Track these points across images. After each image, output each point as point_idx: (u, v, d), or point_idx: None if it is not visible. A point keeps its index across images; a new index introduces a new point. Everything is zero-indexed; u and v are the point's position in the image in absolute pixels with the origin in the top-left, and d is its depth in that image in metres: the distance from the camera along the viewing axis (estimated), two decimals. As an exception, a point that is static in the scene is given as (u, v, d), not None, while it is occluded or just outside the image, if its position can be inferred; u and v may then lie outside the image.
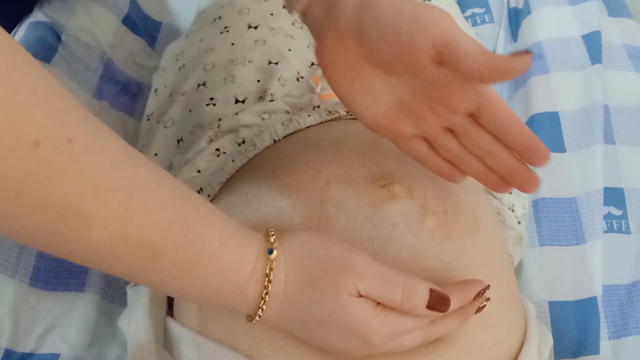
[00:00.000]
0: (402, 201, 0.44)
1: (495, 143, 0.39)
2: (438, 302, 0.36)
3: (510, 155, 0.40)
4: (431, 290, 0.36)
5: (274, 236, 0.37)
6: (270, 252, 0.36)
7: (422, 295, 0.35)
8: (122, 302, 0.59)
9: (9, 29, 0.73)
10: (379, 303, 0.35)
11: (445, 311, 0.36)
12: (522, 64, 0.33)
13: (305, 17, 0.42)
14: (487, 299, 0.40)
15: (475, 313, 0.40)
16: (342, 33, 0.38)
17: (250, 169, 0.52)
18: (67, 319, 0.57)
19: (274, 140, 0.54)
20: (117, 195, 0.29)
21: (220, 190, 0.54)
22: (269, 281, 0.35)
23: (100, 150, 0.29)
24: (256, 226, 0.44)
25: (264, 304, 0.35)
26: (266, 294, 0.35)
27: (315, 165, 0.46)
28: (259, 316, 0.36)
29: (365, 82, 0.39)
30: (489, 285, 0.40)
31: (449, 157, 0.42)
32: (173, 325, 0.46)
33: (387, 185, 0.44)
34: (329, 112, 0.56)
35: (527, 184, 0.40)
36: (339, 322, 0.35)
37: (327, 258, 0.36)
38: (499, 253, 0.48)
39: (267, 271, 0.35)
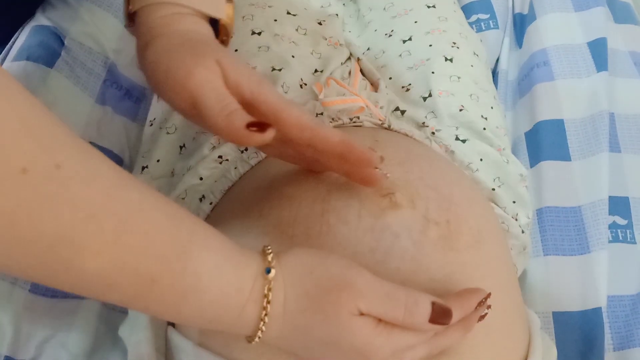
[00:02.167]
0: (404, 211, 0.43)
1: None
2: (440, 316, 0.35)
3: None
4: (433, 304, 0.35)
5: (271, 254, 0.36)
6: (268, 271, 0.35)
7: (424, 311, 0.35)
8: (124, 309, 0.59)
9: (11, 32, 0.73)
10: (380, 320, 0.35)
11: (448, 324, 0.36)
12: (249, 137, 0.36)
13: None
14: (489, 307, 0.39)
15: (478, 322, 0.39)
16: None
17: (252, 177, 0.52)
18: (68, 327, 0.57)
19: None
20: (110, 221, 0.29)
21: (222, 198, 0.54)
22: (268, 302, 0.34)
23: (91, 175, 0.28)
24: (257, 237, 0.43)
25: (263, 325, 0.34)
26: (265, 315, 0.34)
27: (317, 175, 0.46)
28: (259, 337, 0.35)
29: None
30: (489, 294, 0.39)
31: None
32: (174, 335, 0.45)
33: (389, 195, 0.44)
34: (332, 119, 0.56)
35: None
36: (341, 342, 0.34)
37: (327, 276, 0.35)
38: (504, 266, 0.48)
39: (266, 292, 0.34)
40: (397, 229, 0.42)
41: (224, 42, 0.46)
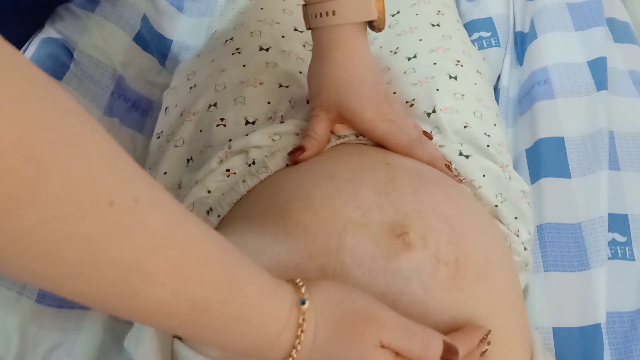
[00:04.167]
0: (416, 252, 0.45)
1: None
2: (449, 353, 0.39)
3: None
4: (443, 342, 0.39)
5: (303, 287, 0.38)
6: (303, 302, 0.37)
7: (437, 347, 0.38)
8: (129, 320, 0.59)
9: (20, 44, 0.74)
10: (397, 354, 0.38)
11: None
12: None
13: None
14: (489, 343, 0.43)
15: (480, 356, 0.42)
16: None
17: (263, 193, 0.53)
18: (74, 337, 0.57)
19: (287, 164, 0.54)
20: (175, 252, 0.30)
21: (230, 211, 0.54)
22: (302, 331, 0.36)
23: (159, 207, 0.30)
24: (271, 262, 0.44)
25: (295, 352, 0.36)
26: (298, 343, 0.36)
27: (332, 204, 0.47)
28: None
29: None
30: (490, 331, 0.42)
31: None
32: (181, 348, 0.46)
33: (403, 235, 0.45)
34: (339, 136, 0.57)
35: None
36: None
37: (353, 309, 0.38)
38: (510, 290, 0.49)
39: (300, 321, 0.37)
40: (409, 273, 0.44)
41: (380, 29, 0.56)
